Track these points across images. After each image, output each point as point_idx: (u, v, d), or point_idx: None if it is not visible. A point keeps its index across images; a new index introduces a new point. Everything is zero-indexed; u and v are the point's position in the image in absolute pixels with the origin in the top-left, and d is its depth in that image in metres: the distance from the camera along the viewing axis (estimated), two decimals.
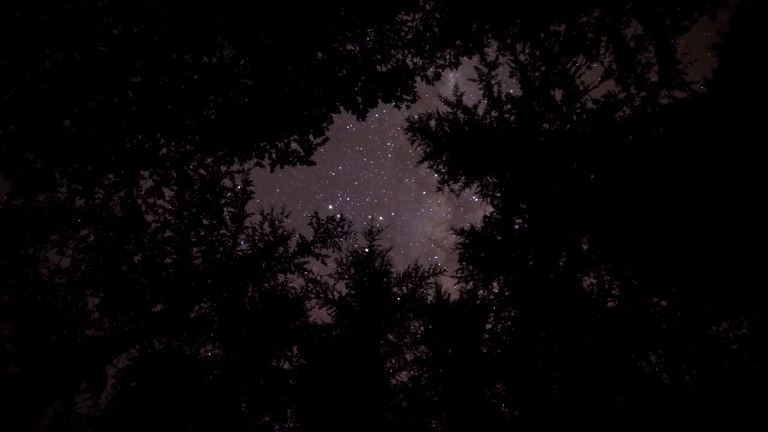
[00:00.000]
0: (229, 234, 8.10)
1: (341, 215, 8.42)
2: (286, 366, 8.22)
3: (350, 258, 8.64)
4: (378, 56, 5.94)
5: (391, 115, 50.18)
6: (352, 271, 8.61)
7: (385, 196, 53.09)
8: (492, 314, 7.26)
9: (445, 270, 8.27)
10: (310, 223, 8.36)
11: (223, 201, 7.98)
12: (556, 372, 6.18)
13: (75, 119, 4.75)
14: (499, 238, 7.35)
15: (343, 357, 7.63)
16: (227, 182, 8.00)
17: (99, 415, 7.32)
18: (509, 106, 7.43)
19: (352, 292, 8.47)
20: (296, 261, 8.41)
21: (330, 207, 50.44)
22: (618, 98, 6.56)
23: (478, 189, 7.97)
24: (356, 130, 49.47)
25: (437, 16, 6.04)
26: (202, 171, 7.68)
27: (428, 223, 50.49)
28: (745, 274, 5.28)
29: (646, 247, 5.97)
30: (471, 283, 7.41)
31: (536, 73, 7.11)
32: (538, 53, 6.95)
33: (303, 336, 8.19)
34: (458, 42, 6.39)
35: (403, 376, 7.90)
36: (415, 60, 6.31)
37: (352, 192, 52.96)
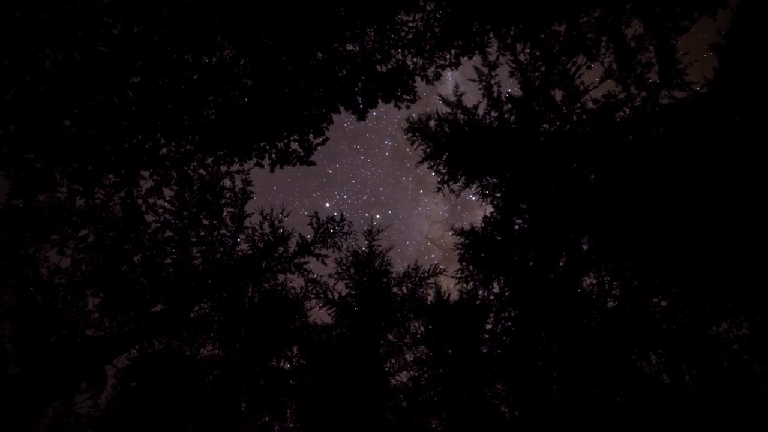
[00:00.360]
0: (229, 234, 8.11)
1: (342, 215, 8.42)
2: (286, 366, 8.23)
3: (350, 258, 8.65)
4: (378, 56, 5.94)
5: (389, 113, 50.21)
6: (352, 271, 8.61)
7: (383, 194, 53.18)
8: (492, 314, 7.26)
9: (444, 270, 8.28)
10: (310, 224, 8.37)
11: (223, 201, 7.98)
12: (556, 372, 6.18)
13: (75, 119, 4.75)
14: (499, 238, 7.35)
15: (343, 357, 7.64)
16: (227, 182, 8.00)
17: (99, 415, 7.33)
18: (509, 106, 7.42)
19: (352, 292, 8.47)
20: (296, 261, 8.41)
21: (327, 205, 50.46)
22: (618, 98, 6.55)
23: (478, 189, 7.97)
24: (353, 128, 49.47)
25: (438, 16, 6.04)
26: (202, 171, 7.68)
27: (425, 222, 50.60)
28: (744, 275, 5.28)
29: (646, 247, 5.97)
30: (471, 284, 7.41)
31: (536, 73, 7.10)
32: (538, 53, 6.94)
33: (303, 336, 8.19)
34: (459, 42, 6.38)
35: (403, 376, 7.92)
36: (415, 60, 6.30)
37: (349, 190, 53.00)
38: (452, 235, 7.48)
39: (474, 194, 7.96)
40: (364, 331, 8.00)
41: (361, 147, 52.54)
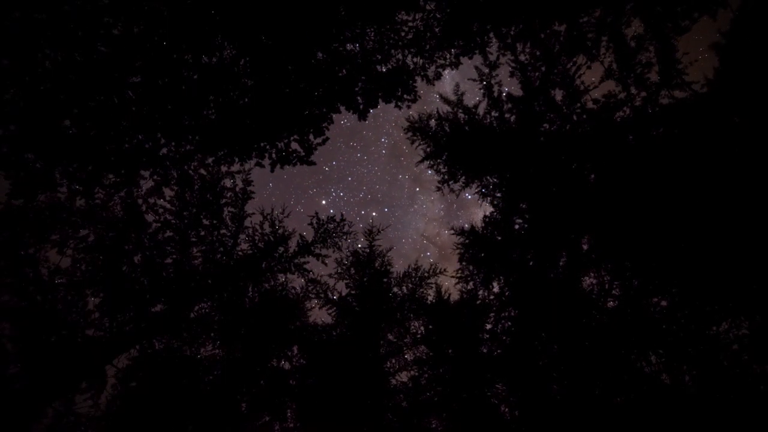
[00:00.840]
0: (229, 234, 8.10)
1: (342, 215, 8.41)
2: (286, 366, 8.23)
3: (350, 258, 8.65)
4: (378, 56, 5.93)
5: (386, 111, 50.00)
6: (352, 271, 8.61)
7: (379, 192, 53.03)
8: (492, 314, 7.26)
9: (444, 270, 8.28)
10: (310, 223, 8.36)
11: (224, 201, 7.97)
12: (556, 372, 6.18)
13: (75, 119, 4.75)
14: (499, 238, 7.35)
15: (343, 357, 7.63)
16: (227, 182, 8.00)
17: (99, 415, 7.33)
18: (509, 105, 7.43)
19: (352, 292, 8.47)
20: (296, 261, 8.40)
21: (323, 202, 50.24)
22: (618, 98, 6.56)
23: (478, 189, 7.97)
24: (350, 125, 49.19)
25: (438, 15, 6.03)
26: (202, 171, 7.68)
27: (421, 220, 50.57)
28: (744, 274, 5.28)
29: (646, 247, 5.97)
30: (471, 283, 7.41)
31: (536, 73, 7.11)
32: (538, 53, 6.95)
33: (303, 336, 8.19)
34: (459, 42, 6.38)
35: (403, 376, 7.92)
36: (415, 60, 6.30)
37: (345, 187, 52.76)
38: (452, 234, 7.49)
39: (474, 194, 7.96)
40: (364, 331, 7.99)
41: (357, 144, 52.33)
